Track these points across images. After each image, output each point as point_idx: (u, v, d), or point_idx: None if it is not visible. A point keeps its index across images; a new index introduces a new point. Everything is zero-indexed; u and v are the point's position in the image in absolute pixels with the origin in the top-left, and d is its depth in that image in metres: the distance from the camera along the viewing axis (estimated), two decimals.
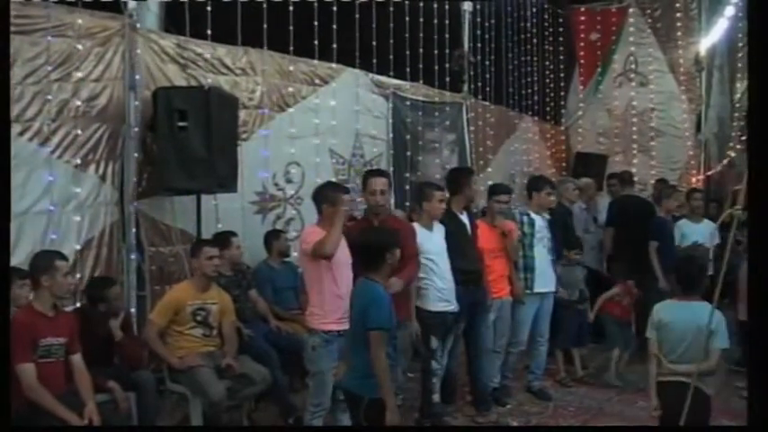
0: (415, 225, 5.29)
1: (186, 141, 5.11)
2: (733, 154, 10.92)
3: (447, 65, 8.67)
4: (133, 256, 5.28)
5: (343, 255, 4.46)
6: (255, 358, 5.16)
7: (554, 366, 6.64)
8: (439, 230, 5.31)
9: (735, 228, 3.31)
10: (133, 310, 5.19)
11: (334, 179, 7.02)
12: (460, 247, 5.38)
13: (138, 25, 5.35)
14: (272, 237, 6.22)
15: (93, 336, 4.45)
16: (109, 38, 5.18)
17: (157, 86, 5.31)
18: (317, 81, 6.96)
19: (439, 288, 5.16)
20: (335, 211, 4.41)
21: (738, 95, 11.51)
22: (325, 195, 4.57)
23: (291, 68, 6.68)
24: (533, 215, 6.02)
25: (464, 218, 5.53)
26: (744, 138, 11.14)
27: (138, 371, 4.69)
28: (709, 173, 10.54)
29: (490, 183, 7.09)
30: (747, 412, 1.93)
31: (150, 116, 5.24)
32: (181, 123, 5.08)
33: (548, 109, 11.42)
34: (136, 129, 5.28)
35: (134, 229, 5.30)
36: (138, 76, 5.28)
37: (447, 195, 5.45)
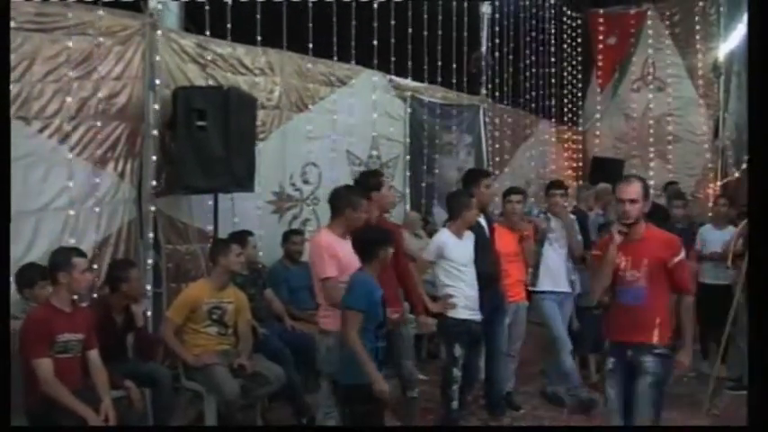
0: (444, 232, 5.28)
1: (205, 141, 5.12)
2: None
3: (465, 67, 8.67)
4: (150, 254, 5.31)
5: (355, 259, 4.47)
6: (270, 357, 5.17)
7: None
8: (469, 239, 5.26)
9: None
10: (149, 307, 5.20)
11: (350, 181, 7.03)
12: (479, 251, 5.31)
13: (159, 25, 5.38)
14: (288, 236, 6.24)
15: (111, 323, 4.52)
16: (129, 37, 5.21)
17: (177, 86, 5.35)
18: (335, 82, 6.99)
19: (467, 296, 5.11)
20: (360, 211, 4.43)
21: None
22: (350, 200, 4.51)
23: (310, 69, 6.70)
24: (550, 216, 6.01)
25: (482, 221, 5.50)
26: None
27: (154, 366, 4.72)
28: (726, 179, 10.44)
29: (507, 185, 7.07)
30: (747, 412, 1.91)
31: (169, 115, 5.26)
32: (200, 123, 5.09)
33: (565, 112, 11.39)
34: (155, 128, 5.31)
35: (151, 227, 5.33)
36: (157, 76, 5.31)
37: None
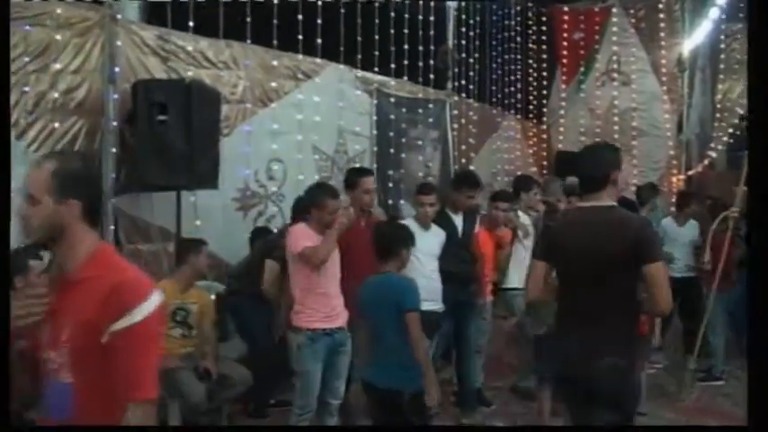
0: (409, 221, 5.28)
1: (166, 136, 4.97)
2: (714, 155, 10.97)
3: (431, 62, 8.59)
4: None
5: (333, 255, 4.44)
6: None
7: None
8: (435, 233, 5.31)
9: (731, 228, 3.28)
10: None
11: (317, 176, 6.94)
12: (447, 247, 5.35)
13: (119, 16, 5.19)
14: (257, 234, 6.10)
15: None
16: (88, 29, 5.03)
17: (137, 79, 5.17)
18: (300, 76, 6.84)
19: (422, 286, 5.06)
20: (332, 220, 4.33)
21: (720, 96, 11.56)
22: (318, 199, 4.46)
23: (275, 63, 6.55)
24: (520, 213, 6.04)
25: (458, 219, 5.50)
26: (725, 138, 11.23)
27: None
28: (690, 173, 10.55)
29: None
30: (747, 412, 1.87)
31: (129, 110, 5.08)
32: (161, 117, 4.94)
33: (530, 107, 11.41)
34: (114, 123, 5.12)
35: (112, 227, 5.14)
36: (117, 69, 5.13)
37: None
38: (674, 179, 10.38)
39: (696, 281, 6.62)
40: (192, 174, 5.12)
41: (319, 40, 6.91)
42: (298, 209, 5.19)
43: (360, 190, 4.89)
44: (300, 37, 6.76)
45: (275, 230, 6.31)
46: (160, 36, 5.53)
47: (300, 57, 6.83)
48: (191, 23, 5.77)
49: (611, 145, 3.73)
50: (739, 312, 6.23)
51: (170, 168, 5.00)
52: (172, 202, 5.37)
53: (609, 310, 3.12)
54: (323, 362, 4.37)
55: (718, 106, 11.47)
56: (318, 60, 7.02)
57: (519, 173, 10.29)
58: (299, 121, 6.80)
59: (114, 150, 5.13)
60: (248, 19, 6.19)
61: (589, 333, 3.11)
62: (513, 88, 10.71)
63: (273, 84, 6.56)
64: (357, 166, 7.00)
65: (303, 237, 4.36)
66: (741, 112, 11.45)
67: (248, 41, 6.28)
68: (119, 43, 5.14)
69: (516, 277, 5.96)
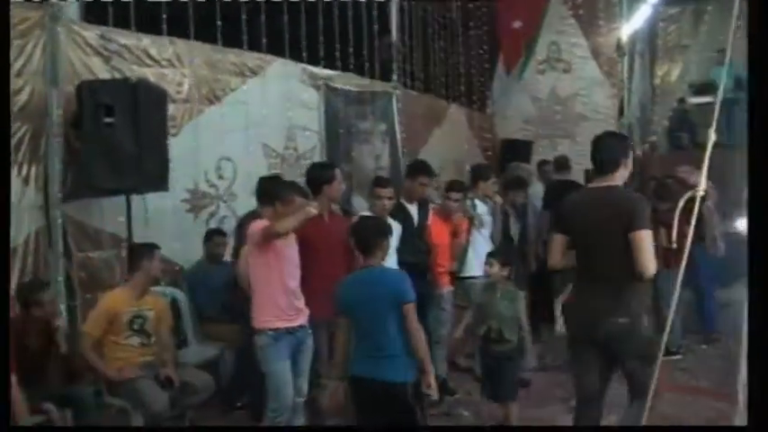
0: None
1: (113, 138, 4.79)
2: (654, 137, 11.23)
3: (376, 54, 8.55)
4: (61, 264, 4.93)
5: (293, 251, 4.38)
6: None
7: None
8: (392, 226, 5.26)
9: (696, 209, 3.36)
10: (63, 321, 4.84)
11: (267, 173, 6.83)
12: (405, 238, 5.35)
13: (60, 15, 4.96)
14: (211, 236, 6.00)
15: (25, 349, 4.15)
16: (29, 29, 4.79)
17: (81, 80, 4.97)
18: (246, 72, 6.70)
19: None
20: (292, 207, 4.25)
21: (659, 80, 11.83)
22: (285, 194, 4.37)
23: (220, 59, 6.40)
24: (477, 202, 6.07)
25: (413, 209, 5.49)
26: (665, 121, 11.51)
27: (75, 386, 4.41)
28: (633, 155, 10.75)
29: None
30: (747, 412, 1.87)
31: (74, 112, 4.88)
32: (107, 119, 4.74)
33: (474, 97, 11.47)
34: (59, 126, 4.91)
35: (61, 235, 4.95)
36: (60, 70, 4.92)
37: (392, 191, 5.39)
38: None
39: None
40: (141, 176, 4.96)
41: (264, 36, 6.78)
42: (263, 196, 5.08)
43: (337, 183, 4.87)
44: (245, 33, 6.63)
45: (228, 232, 6.22)
46: (102, 35, 5.32)
47: (246, 52, 6.69)
48: (132, 21, 5.59)
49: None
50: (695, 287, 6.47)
51: (119, 171, 4.83)
52: (121, 207, 5.19)
53: (616, 272, 3.62)
54: (289, 360, 4.32)
55: (658, 89, 11.75)
56: (264, 56, 6.89)
57: (466, 162, 10.38)
58: (246, 118, 6.67)
59: (60, 155, 4.92)
60: (191, 15, 6.03)
61: (601, 291, 3.67)
62: (456, 78, 10.75)
63: (219, 81, 6.40)
64: (317, 161, 6.95)
65: (262, 224, 4.28)
66: (681, 93, 11.78)
67: (192, 38, 6.11)
68: (61, 44, 4.94)
69: (475, 266, 5.99)
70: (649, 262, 3.56)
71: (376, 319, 3.65)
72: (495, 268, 4.97)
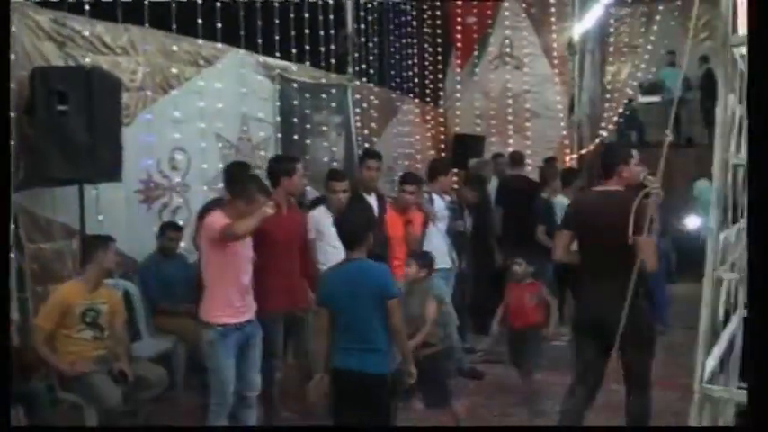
0: (320, 209, 5.33)
1: (67, 127, 4.67)
2: (604, 134, 11.45)
3: (332, 46, 8.50)
4: (12, 255, 4.77)
5: (248, 248, 4.34)
6: None
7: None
8: None
9: (651, 204, 3.49)
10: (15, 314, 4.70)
11: (221, 165, 6.74)
12: None
13: None
14: (165, 230, 5.91)
15: None
16: None
17: (35, 67, 4.82)
18: (201, 62, 6.60)
19: None
20: (251, 211, 4.17)
21: (609, 79, 12.06)
22: (246, 191, 4.30)
23: (174, 48, 6.28)
24: (434, 196, 6.12)
25: (372, 200, 5.50)
26: (614, 118, 11.73)
27: (26, 382, 4.29)
28: (582, 152, 10.96)
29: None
30: (747, 412, 1.90)
31: (27, 99, 4.73)
32: (61, 107, 4.63)
33: (428, 91, 11.51)
34: (11, 114, 4.74)
35: (12, 225, 4.78)
36: (12, 56, 4.74)
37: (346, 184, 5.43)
38: (567, 158, 10.74)
39: None
40: (95, 166, 4.84)
41: (219, 25, 6.69)
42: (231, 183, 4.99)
43: (297, 176, 4.82)
44: (200, 21, 6.52)
45: (182, 224, 6.13)
46: (56, 20, 5.16)
47: (201, 42, 6.58)
48: (86, 7, 5.45)
49: (624, 145, 4.97)
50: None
51: (73, 161, 4.71)
52: (74, 197, 5.06)
53: (617, 266, 3.89)
54: (234, 356, 4.28)
55: (608, 88, 11.98)
56: (219, 46, 6.80)
57: (420, 155, 10.44)
58: (200, 108, 6.57)
59: (12, 143, 4.75)
60: (146, 2, 5.91)
61: (603, 285, 3.99)
62: (410, 72, 10.79)
63: (174, 70, 6.29)
64: (280, 153, 6.94)
65: (220, 221, 4.21)
66: (630, 92, 12.04)
67: (146, 25, 5.99)
68: (13, 28, 4.76)
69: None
70: (651, 258, 3.91)
71: (359, 313, 3.64)
72: (413, 269, 4.99)
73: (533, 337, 5.60)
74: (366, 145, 9.14)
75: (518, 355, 5.65)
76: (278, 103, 7.59)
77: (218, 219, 4.22)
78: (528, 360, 5.59)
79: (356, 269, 3.72)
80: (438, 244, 6.14)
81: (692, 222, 9.35)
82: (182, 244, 6.01)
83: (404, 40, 10.44)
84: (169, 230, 5.90)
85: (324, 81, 8.36)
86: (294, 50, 7.85)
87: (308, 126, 8.07)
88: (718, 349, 2.63)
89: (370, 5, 9.40)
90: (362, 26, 9.26)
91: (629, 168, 4.19)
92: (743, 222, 2.75)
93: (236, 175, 4.54)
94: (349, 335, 3.68)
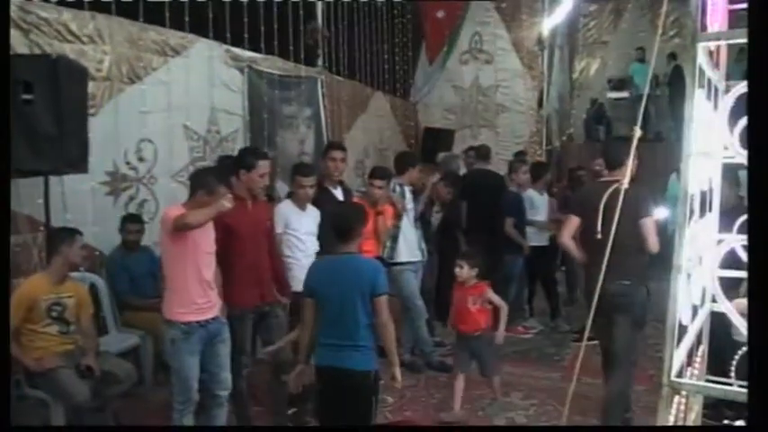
0: (287, 203, 5.32)
1: (33, 117, 4.51)
2: (572, 129, 11.56)
3: (302, 38, 8.44)
4: None
5: (209, 241, 4.22)
6: None
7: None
8: (312, 213, 5.30)
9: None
10: None
11: (189, 157, 6.66)
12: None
13: None
14: (124, 224, 5.79)
15: None
16: None
17: None
18: (169, 52, 6.47)
19: (303, 266, 5.01)
20: (216, 198, 4.07)
21: (577, 74, 12.15)
22: (206, 183, 4.19)
23: (141, 37, 6.16)
24: (405, 188, 6.12)
25: (338, 193, 5.48)
26: (582, 113, 11.83)
27: None
28: (551, 146, 11.04)
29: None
30: (747, 412, 1.90)
31: None
32: (26, 96, 4.46)
33: (398, 84, 11.49)
34: None
35: None
36: None
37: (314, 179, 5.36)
38: (536, 152, 10.81)
39: (551, 248, 7.39)
40: (61, 157, 4.68)
41: (187, 16, 6.58)
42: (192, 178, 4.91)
43: (256, 172, 4.67)
44: (167, 12, 6.41)
45: (147, 215, 6.04)
46: (21, 6, 5.01)
47: (169, 31, 6.46)
48: None
49: (626, 140, 5.03)
50: None
51: (38, 152, 4.53)
52: (38, 188, 4.94)
53: (620, 249, 3.90)
54: (199, 354, 4.17)
55: (576, 83, 12.07)
56: (187, 36, 6.68)
57: (389, 149, 10.42)
58: (168, 99, 6.46)
59: None
60: None
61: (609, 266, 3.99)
62: (381, 65, 10.76)
63: (141, 59, 6.16)
64: (249, 146, 6.83)
65: (176, 212, 4.07)
66: (597, 89, 12.12)
67: (113, 13, 5.86)
68: None
69: (404, 252, 6.04)
70: (654, 241, 4.35)
71: (346, 307, 3.58)
72: None
73: (478, 342, 5.14)
74: (335, 137, 9.10)
75: (463, 362, 5.24)
76: (247, 95, 7.49)
77: (174, 210, 4.09)
78: (483, 366, 5.25)
79: (347, 263, 3.67)
80: (411, 236, 6.18)
81: (660, 216, 9.46)
82: (154, 237, 5.90)
83: (374, 34, 10.40)
84: (129, 223, 5.79)
85: (294, 74, 8.28)
86: (263, 42, 7.76)
87: (278, 118, 7.99)
88: (687, 342, 2.64)
89: None
90: (332, 18, 9.20)
91: (631, 160, 4.36)
92: (710, 216, 2.76)
93: (200, 169, 4.46)
94: (334, 329, 3.62)
